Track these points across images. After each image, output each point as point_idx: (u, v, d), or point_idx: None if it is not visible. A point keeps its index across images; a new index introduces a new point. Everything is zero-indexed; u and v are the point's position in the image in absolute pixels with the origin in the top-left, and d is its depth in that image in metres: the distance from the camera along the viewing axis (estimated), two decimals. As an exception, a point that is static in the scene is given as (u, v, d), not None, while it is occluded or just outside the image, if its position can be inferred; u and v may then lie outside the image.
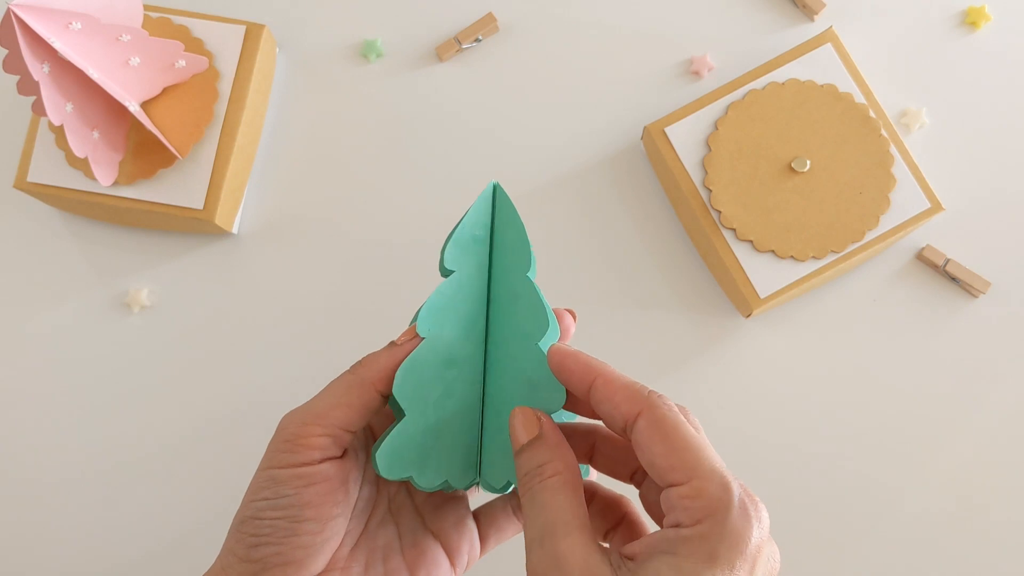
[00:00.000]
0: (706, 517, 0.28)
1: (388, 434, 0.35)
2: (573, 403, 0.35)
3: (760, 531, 0.28)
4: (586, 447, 0.36)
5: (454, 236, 0.36)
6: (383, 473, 0.34)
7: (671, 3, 0.57)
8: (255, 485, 0.33)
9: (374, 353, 0.35)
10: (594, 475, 0.38)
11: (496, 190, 0.37)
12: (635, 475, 0.36)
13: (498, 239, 0.36)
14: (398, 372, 0.34)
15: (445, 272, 0.36)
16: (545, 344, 0.35)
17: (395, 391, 0.34)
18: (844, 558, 0.53)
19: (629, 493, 0.37)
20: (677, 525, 0.28)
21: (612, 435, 0.36)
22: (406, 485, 0.38)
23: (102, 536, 0.53)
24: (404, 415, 0.35)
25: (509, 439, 0.35)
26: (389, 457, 0.34)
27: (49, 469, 0.54)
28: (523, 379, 0.35)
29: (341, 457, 0.34)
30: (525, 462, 0.32)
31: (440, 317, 0.35)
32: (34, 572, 0.53)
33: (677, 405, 0.32)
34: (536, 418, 0.33)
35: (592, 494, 0.37)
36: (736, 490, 0.28)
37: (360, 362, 0.35)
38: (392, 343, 0.35)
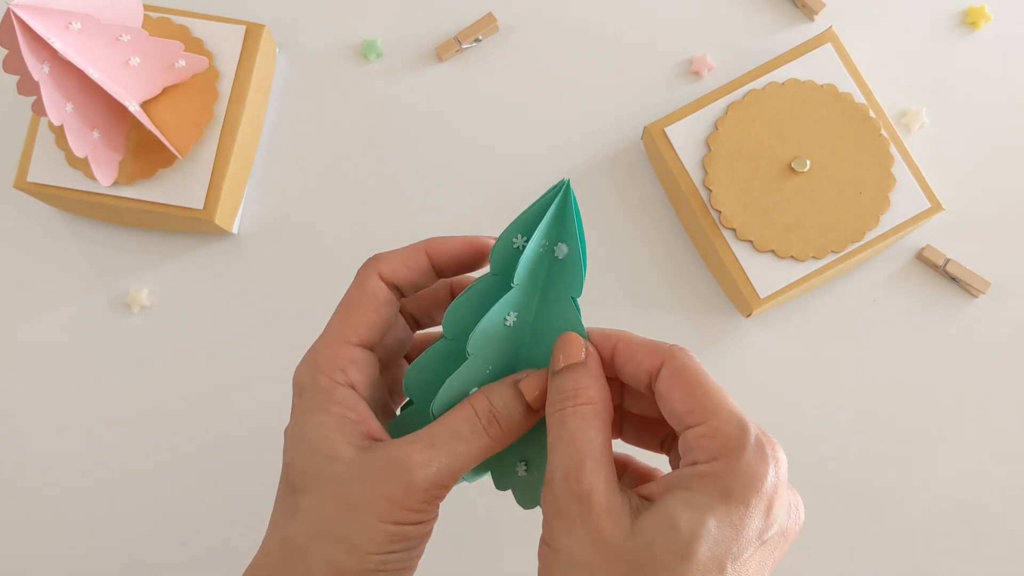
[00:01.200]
0: (722, 455, 0.28)
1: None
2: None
3: (776, 471, 0.28)
4: (616, 419, 0.35)
5: (528, 251, 0.32)
6: None
7: (671, 3, 0.57)
8: (380, 538, 0.30)
9: (498, 393, 0.32)
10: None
11: (569, 192, 0.33)
12: (664, 442, 0.35)
13: (567, 250, 0.34)
14: (413, 371, 0.33)
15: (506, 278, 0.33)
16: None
17: (410, 392, 0.34)
18: (844, 556, 0.53)
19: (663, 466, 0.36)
20: (694, 463, 0.29)
21: (639, 402, 0.35)
22: None
23: (99, 537, 0.53)
24: (412, 404, 0.35)
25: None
26: None
27: (48, 470, 0.54)
28: None
29: None
30: (561, 384, 0.31)
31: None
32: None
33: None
34: (583, 346, 0.32)
35: (624, 466, 0.36)
36: (753, 430, 0.29)
37: (495, 422, 0.32)
38: (518, 386, 0.33)
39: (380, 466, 0.30)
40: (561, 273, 0.33)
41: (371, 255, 0.35)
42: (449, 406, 0.32)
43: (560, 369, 0.32)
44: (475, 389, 0.33)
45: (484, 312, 0.32)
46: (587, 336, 0.33)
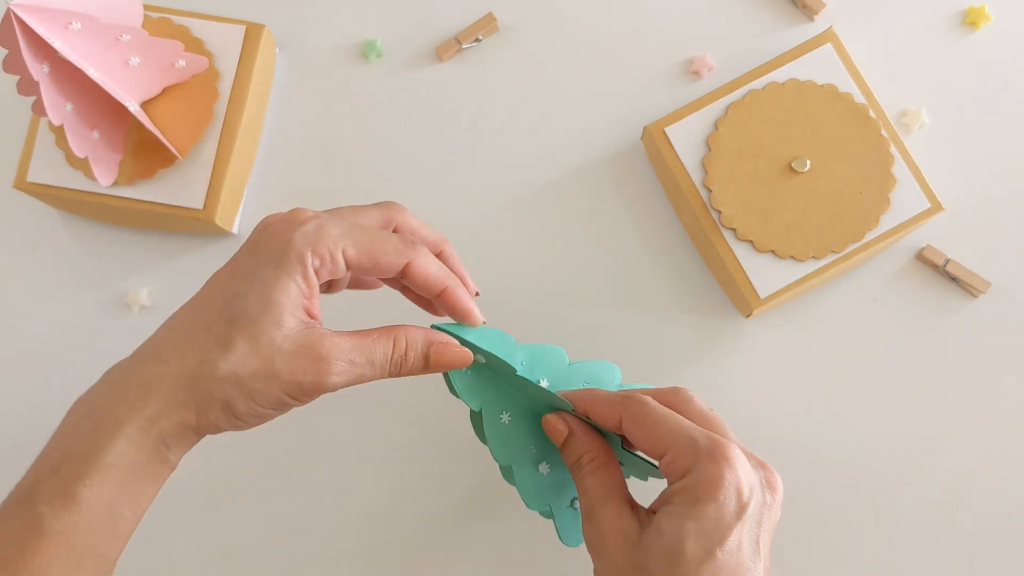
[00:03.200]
0: (686, 472, 0.35)
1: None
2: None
3: (730, 466, 0.35)
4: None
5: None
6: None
7: (671, 3, 0.57)
8: (274, 402, 0.36)
9: (414, 350, 0.39)
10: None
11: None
12: None
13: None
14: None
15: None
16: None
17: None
18: (845, 557, 0.53)
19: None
20: (672, 483, 0.36)
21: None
22: None
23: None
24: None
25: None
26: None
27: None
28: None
29: None
30: (567, 457, 0.40)
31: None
32: None
33: (670, 388, 0.40)
34: (563, 421, 0.41)
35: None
36: (702, 443, 0.35)
37: (398, 369, 0.38)
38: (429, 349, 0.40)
39: (308, 356, 0.35)
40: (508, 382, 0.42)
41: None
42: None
43: (560, 447, 0.41)
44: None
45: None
46: (566, 403, 0.41)
